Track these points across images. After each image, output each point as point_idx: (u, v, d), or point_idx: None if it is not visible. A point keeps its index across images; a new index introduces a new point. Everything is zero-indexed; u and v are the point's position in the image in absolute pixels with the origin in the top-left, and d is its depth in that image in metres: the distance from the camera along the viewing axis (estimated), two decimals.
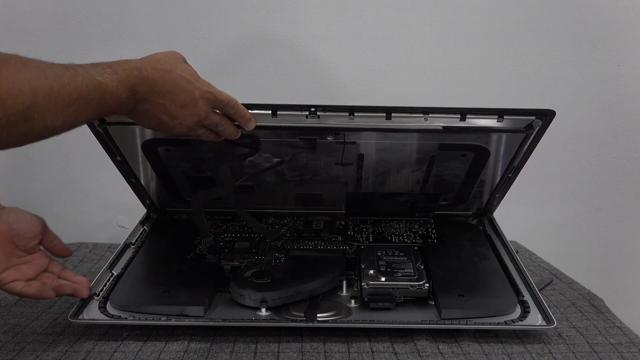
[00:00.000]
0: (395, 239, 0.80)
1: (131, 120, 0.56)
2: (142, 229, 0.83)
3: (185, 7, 1.01)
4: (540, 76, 1.07)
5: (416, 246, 0.76)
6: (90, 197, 1.10)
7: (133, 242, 0.80)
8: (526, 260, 0.92)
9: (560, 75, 1.07)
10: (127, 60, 0.52)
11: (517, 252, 0.78)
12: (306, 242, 0.79)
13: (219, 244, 0.79)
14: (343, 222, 0.85)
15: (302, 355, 0.60)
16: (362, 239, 0.80)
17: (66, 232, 1.08)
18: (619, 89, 1.08)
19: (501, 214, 0.86)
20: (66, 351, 0.60)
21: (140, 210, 0.86)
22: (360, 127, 0.66)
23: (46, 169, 1.08)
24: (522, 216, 1.10)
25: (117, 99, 0.50)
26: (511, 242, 0.83)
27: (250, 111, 0.61)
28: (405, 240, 0.80)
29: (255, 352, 0.60)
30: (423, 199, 0.81)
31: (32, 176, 1.09)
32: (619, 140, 1.11)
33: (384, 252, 0.74)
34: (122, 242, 0.79)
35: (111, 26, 1.02)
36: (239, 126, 0.62)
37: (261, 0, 1.01)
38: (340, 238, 0.80)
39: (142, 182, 0.80)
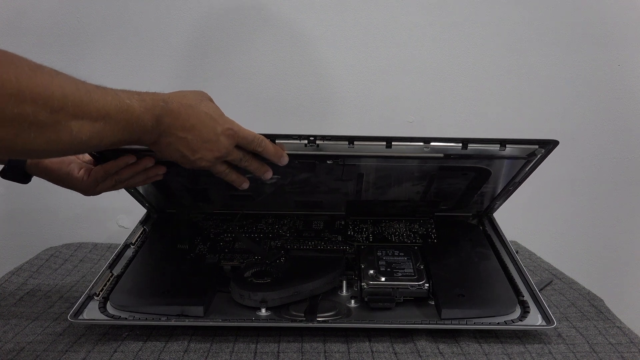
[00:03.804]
0: (395, 239, 0.80)
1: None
2: (142, 229, 0.83)
3: (185, 7, 1.01)
4: (541, 76, 1.07)
5: (416, 246, 0.76)
6: (90, 197, 1.10)
7: (133, 242, 0.79)
8: (526, 260, 0.92)
9: (560, 75, 1.07)
10: (155, 92, 0.54)
11: (517, 252, 0.78)
12: (306, 242, 0.79)
13: (218, 244, 0.79)
14: (343, 222, 0.84)
15: (302, 355, 0.60)
16: (362, 239, 0.80)
17: (66, 232, 1.09)
18: (619, 89, 1.08)
19: (501, 214, 0.86)
20: (66, 351, 0.60)
21: (140, 210, 0.86)
22: (360, 154, 0.66)
23: None
24: (522, 216, 1.10)
25: (143, 125, 0.51)
26: (511, 242, 0.83)
27: (279, 141, 0.62)
28: (405, 240, 0.80)
29: (255, 352, 0.60)
30: (423, 204, 0.82)
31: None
32: (619, 140, 1.11)
33: (384, 252, 0.74)
34: (122, 242, 0.79)
35: (111, 26, 1.02)
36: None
37: (261, 0, 1.02)
38: (340, 238, 0.80)
39: (141, 191, 0.80)
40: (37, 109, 0.41)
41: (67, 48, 1.02)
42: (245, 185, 0.64)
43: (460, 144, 0.63)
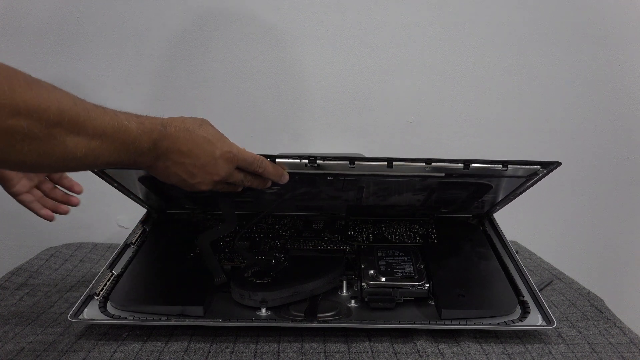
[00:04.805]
0: (395, 239, 0.80)
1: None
2: (142, 228, 0.83)
3: (185, 7, 1.01)
4: (541, 76, 1.07)
5: (416, 246, 0.76)
6: (90, 197, 1.10)
7: (133, 242, 0.79)
8: (526, 261, 0.92)
9: (560, 75, 1.07)
10: (155, 117, 0.54)
11: (517, 252, 0.78)
12: (306, 242, 0.79)
13: (219, 244, 0.79)
14: (343, 222, 0.84)
15: (302, 355, 0.60)
16: (362, 239, 0.80)
17: (66, 232, 1.09)
18: (619, 89, 1.08)
19: (501, 214, 0.86)
20: (66, 351, 0.60)
21: (140, 210, 0.86)
22: (361, 173, 0.66)
23: None
24: (522, 216, 1.10)
25: (139, 147, 0.50)
26: (511, 242, 0.83)
27: (279, 160, 0.62)
28: (406, 240, 0.80)
29: (255, 352, 0.60)
30: (423, 208, 0.82)
31: None
32: (619, 140, 1.11)
33: (384, 252, 0.74)
34: (122, 242, 0.79)
35: (111, 26, 1.02)
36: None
37: (260, 0, 1.02)
38: (340, 238, 0.80)
39: (141, 197, 0.80)
40: (31, 122, 0.41)
41: (67, 48, 1.02)
42: (239, 189, 0.64)
43: (462, 164, 0.63)
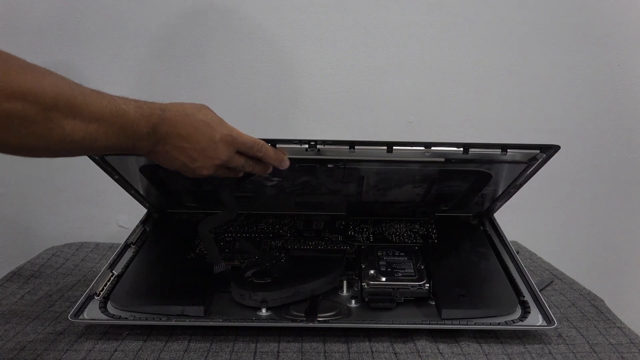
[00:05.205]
0: (395, 239, 0.80)
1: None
2: (143, 228, 0.83)
3: (185, 7, 1.01)
4: (541, 76, 1.07)
5: (417, 246, 0.76)
6: (91, 197, 1.10)
7: (134, 242, 0.79)
8: (527, 261, 0.92)
9: (560, 75, 1.07)
10: (154, 102, 0.53)
11: (517, 252, 0.78)
12: (307, 242, 0.79)
13: (219, 244, 0.79)
14: (343, 222, 0.85)
15: (302, 355, 0.60)
16: (363, 239, 0.80)
17: (68, 232, 1.09)
18: (619, 89, 1.08)
19: (502, 215, 0.86)
20: (67, 350, 0.60)
21: (141, 210, 0.86)
22: (361, 159, 0.66)
23: (47, 169, 1.08)
24: (522, 216, 1.10)
25: (138, 131, 0.50)
26: (512, 242, 0.83)
27: (280, 145, 0.62)
28: (406, 240, 0.80)
29: (255, 351, 0.60)
30: (423, 205, 0.82)
31: (33, 177, 1.09)
32: (619, 140, 1.11)
33: (384, 252, 0.74)
34: (123, 242, 0.79)
35: (111, 26, 1.02)
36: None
37: (261, 0, 1.02)
38: (340, 238, 0.80)
39: (142, 193, 0.80)
40: (27, 105, 0.41)
41: (67, 48, 1.02)
42: (240, 174, 0.64)
43: (461, 149, 0.63)
